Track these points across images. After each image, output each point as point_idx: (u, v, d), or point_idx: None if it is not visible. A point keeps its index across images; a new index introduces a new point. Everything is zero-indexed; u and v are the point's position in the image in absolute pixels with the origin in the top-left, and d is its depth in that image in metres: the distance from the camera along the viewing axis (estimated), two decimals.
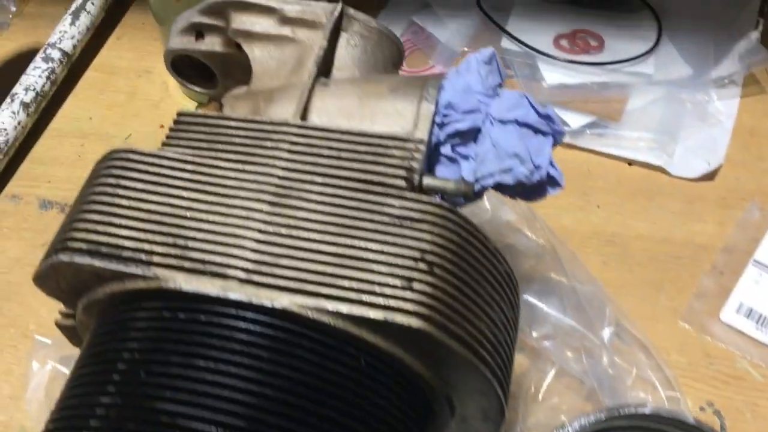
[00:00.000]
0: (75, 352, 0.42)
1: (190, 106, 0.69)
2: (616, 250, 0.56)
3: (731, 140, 0.62)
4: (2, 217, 0.62)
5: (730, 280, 0.53)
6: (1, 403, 0.50)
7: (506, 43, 0.68)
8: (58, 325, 0.40)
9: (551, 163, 0.39)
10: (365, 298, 0.32)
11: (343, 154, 0.37)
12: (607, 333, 0.48)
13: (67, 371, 0.49)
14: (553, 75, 0.65)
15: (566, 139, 0.56)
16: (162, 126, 0.68)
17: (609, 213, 0.58)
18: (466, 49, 0.68)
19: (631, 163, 0.62)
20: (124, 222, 0.34)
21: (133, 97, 0.70)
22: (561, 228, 0.57)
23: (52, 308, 0.37)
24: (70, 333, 0.40)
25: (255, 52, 0.44)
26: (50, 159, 0.66)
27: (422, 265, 0.33)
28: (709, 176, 0.60)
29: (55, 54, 0.70)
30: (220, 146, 0.38)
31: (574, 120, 0.63)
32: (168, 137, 0.39)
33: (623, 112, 0.63)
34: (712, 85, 0.65)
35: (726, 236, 0.56)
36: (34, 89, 0.67)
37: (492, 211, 0.55)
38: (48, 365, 0.49)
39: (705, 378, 0.49)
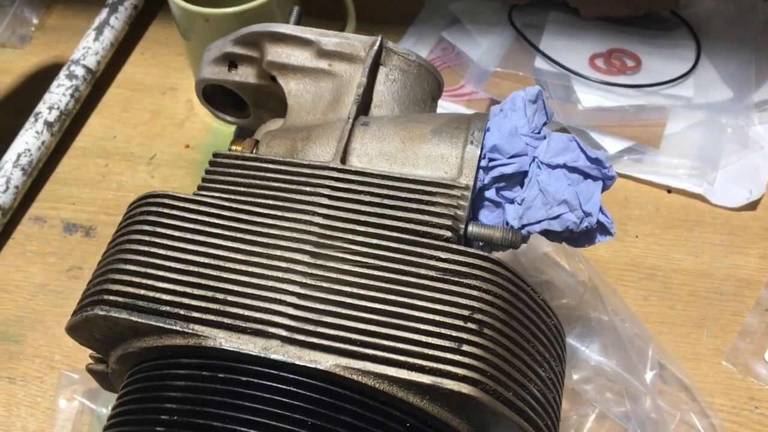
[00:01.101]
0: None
1: (215, 125, 0.68)
2: (657, 284, 0.54)
3: None
4: (26, 240, 0.61)
5: None
6: None
7: (540, 62, 0.66)
8: (89, 371, 0.39)
9: (601, 210, 0.37)
10: (412, 360, 0.30)
11: (386, 201, 0.35)
12: (649, 376, 0.47)
13: (94, 407, 0.49)
14: (589, 97, 0.63)
15: None
16: (187, 146, 0.67)
17: (648, 244, 0.57)
18: (498, 69, 0.66)
19: (670, 190, 0.60)
20: (161, 273, 0.33)
21: (158, 115, 0.69)
22: (598, 259, 0.55)
23: None
24: (101, 378, 0.39)
25: (290, 86, 0.43)
26: (74, 179, 0.65)
27: (471, 325, 0.31)
28: (751, 206, 0.58)
29: (79, 71, 0.69)
30: (257, 190, 0.36)
31: (611, 145, 0.61)
32: (204, 180, 0.38)
33: (662, 137, 0.61)
34: (753, 108, 0.63)
35: None
36: (58, 108, 0.66)
37: (529, 241, 0.53)
38: (75, 401, 0.48)
39: (750, 423, 0.48)
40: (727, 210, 0.58)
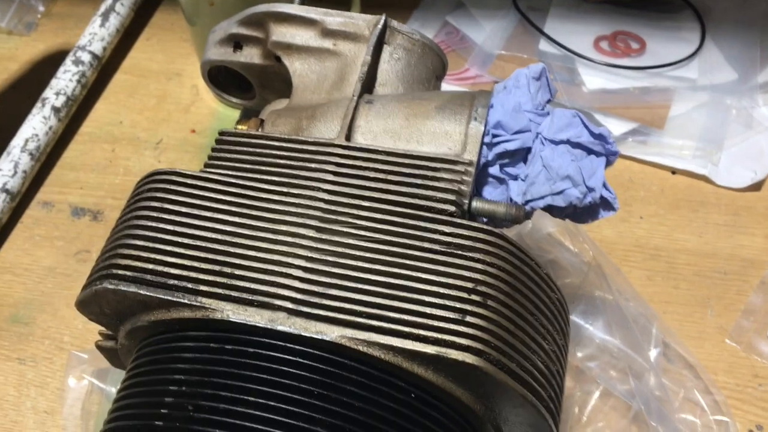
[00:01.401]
0: (111, 365, 0.41)
1: (221, 109, 0.68)
2: (661, 264, 0.54)
3: None
4: (35, 224, 0.61)
5: None
6: (38, 418, 0.50)
7: (544, 45, 0.67)
8: (98, 347, 0.39)
9: (605, 185, 0.37)
10: (417, 331, 0.31)
11: (390, 177, 0.36)
12: (653, 354, 0.47)
13: (102, 386, 0.49)
14: (593, 80, 0.63)
15: None
16: (193, 131, 0.67)
17: (652, 224, 0.57)
18: (503, 52, 0.66)
19: (674, 171, 0.60)
20: (169, 248, 0.33)
21: (164, 100, 0.70)
22: (603, 240, 0.56)
23: (86, 320, 0.36)
24: (110, 354, 0.40)
25: (295, 65, 0.43)
26: (81, 164, 0.65)
27: (475, 297, 0.32)
28: (756, 186, 0.59)
29: (86, 57, 0.69)
30: (263, 167, 0.37)
31: (616, 127, 0.61)
32: (210, 158, 0.38)
33: (666, 118, 0.61)
34: (758, 90, 0.63)
35: None
36: (65, 93, 0.66)
37: (533, 222, 0.53)
38: (84, 381, 0.49)
39: (753, 400, 0.48)
40: (732, 191, 0.58)
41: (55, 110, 0.65)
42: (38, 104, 0.66)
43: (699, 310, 0.52)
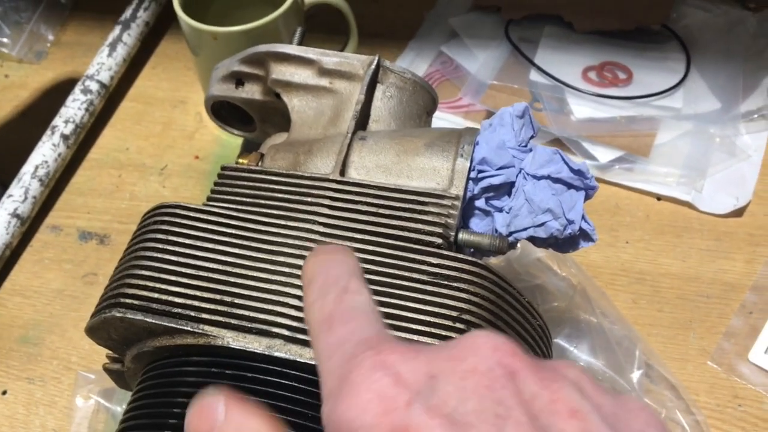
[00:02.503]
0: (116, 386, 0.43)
1: (223, 137, 0.71)
2: (646, 288, 0.57)
3: (760, 176, 0.62)
4: (44, 248, 0.64)
5: (759, 320, 0.54)
6: None
7: (535, 75, 0.69)
8: (106, 369, 0.42)
9: (584, 218, 0.40)
10: None
11: (381, 210, 0.38)
12: (636, 375, 0.49)
13: (109, 405, 0.51)
14: (582, 109, 0.66)
15: (594, 174, 0.57)
16: (197, 157, 0.69)
17: (638, 249, 0.59)
18: (495, 81, 0.69)
19: (659, 198, 0.62)
20: (173, 278, 0.36)
21: (169, 127, 0.72)
22: (590, 264, 0.58)
23: (93, 342, 0.39)
24: (117, 377, 0.42)
25: (294, 102, 0.46)
26: (89, 190, 0.68)
27: (459, 325, 0.34)
28: (738, 212, 0.61)
29: (93, 86, 0.72)
30: (263, 201, 0.39)
31: (602, 155, 0.63)
32: (213, 191, 0.41)
33: (652, 146, 0.64)
34: (740, 119, 0.65)
35: (755, 275, 0.57)
36: (74, 121, 0.69)
37: (521, 247, 0.56)
38: (91, 400, 0.51)
39: (733, 420, 0.50)
40: (715, 217, 0.61)
41: (64, 137, 0.68)
42: (48, 131, 0.68)
43: (682, 333, 0.54)
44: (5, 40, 0.80)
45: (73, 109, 0.70)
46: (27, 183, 0.64)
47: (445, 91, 0.71)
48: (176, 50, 0.79)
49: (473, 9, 0.77)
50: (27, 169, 0.65)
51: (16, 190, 0.64)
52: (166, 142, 0.71)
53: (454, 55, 0.73)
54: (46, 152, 0.67)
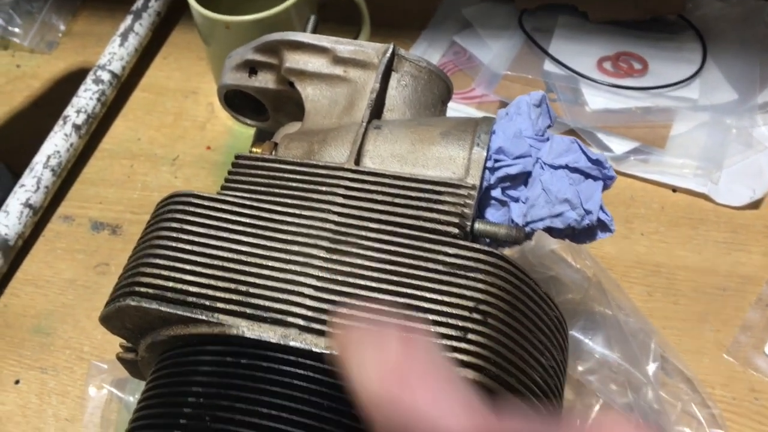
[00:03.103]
0: (129, 375, 0.43)
1: (235, 127, 0.70)
2: (661, 280, 0.56)
3: None
4: (56, 238, 0.64)
5: None
6: (59, 425, 0.52)
7: (549, 65, 0.68)
8: (119, 359, 0.42)
9: (602, 208, 0.39)
10: None
11: (397, 200, 0.38)
12: (652, 368, 0.49)
13: (121, 395, 0.51)
14: (596, 99, 0.65)
15: None
16: (209, 147, 0.69)
17: (653, 241, 0.59)
18: (509, 72, 0.68)
19: (675, 189, 0.62)
20: (188, 267, 0.35)
21: (180, 117, 0.72)
22: (604, 256, 0.57)
23: (105, 331, 0.38)
24: (131, 366, 0.42)
25: (307, 91, 0.45)
26: (101, 180, 0.68)
27: (476, 315, 0.33)
28: (754, 204, 0.60)
29: (105, 76, 0.72)
30: (277, 190, 0.39)
31: (618, 146, 0.63)
32: (227, 180, 0.40)
33: (668, 137, 0.63)
34: (757, 110, 0.64)
35: None
36: (85, 111, 0.69)
37: (536, 239, 0.55)
38: (104, 390, 0.51)
39: (750, 413, 0.50)
40: (731, 209, 0.60)
41: (76, 128, 0.68)
42: (60, 122, 0.68)
43: (698, 326, 0.54)
44: (17, 30, 0.80)
45: (85, 99, 0.70)
46: (39, 173, 0.64)
47: (457, 81, 0.70)
48: (188, 40, 0.79)
49: None
50: (39, 159, 0.65)
51: (28, 180, 0.64)
52: (178, 132, 0.71)
53: (467, 45, 0.73)
54: (58, 142, 0.67)
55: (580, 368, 0.49)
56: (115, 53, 0.73)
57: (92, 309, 0.59)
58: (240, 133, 0.70)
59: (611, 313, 0.51)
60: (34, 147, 0.66)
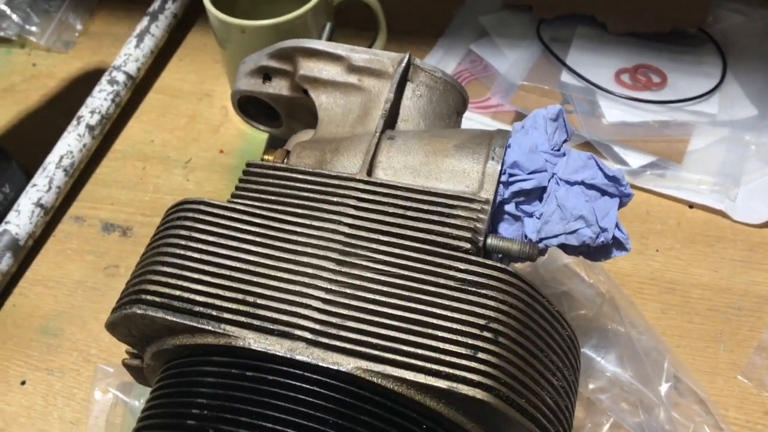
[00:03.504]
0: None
1: (249, 131, 0.70)
2: (676, 298, 0.55)
3: None
4: (67, 238, 0.64)
5: None
6: (64, 428, 0.52)
7: (566, 77, 0.68)
8: (125, 365, 0.41)
9: (617, 226, 0.38)
10: (430, 365, 0.32)
11: (409, 213, 0.37)
12: (664, 388, 0.48)
13: (127, 399, 0.51)
14: (613, 112, 0.64)
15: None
16: (221, 151, 0.69)
17: (668, 258, 0.58)
18: (525, 82, 0.68)
19: (691, 206, 0.61)
20: (195, 276, 0.35)
21: (194, 120, 0.72)
22: (618, 272, 0.57)
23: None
24: (136, 372, 0.41)
25: (321, 99, 0.45)
26: (113, 181, 0.68)
27: (487, 334, 0.33)
28: None
29: (120, 77, 0.71)
30: (287, 199, 0.38)
31: (634, 160, 0.62)
32: (237, 188, 0.40)
33: (685, 152, 0.62)
34: None
35: None
36: (100, 112, 0.69)
37: (549, 253, 0.54)
38: (109, 394, 0.51)
39: None
40: (748, 227, 0.59)
41: (90, 128, 0.68)
42: (74, 122, 0.68)
43: (712, 345, 0.53)
44: (34, 29, 0.80)
45: (100, 100, 0.70)
46: (51, 173, 0.64)
47: (473, 90, 0.70)
48: (204, 43, 0.79)
49: (504, 7, 0.76)
50: (52, 158, 0.65)
51: (40, 179, 0.64)
52: (192, 135, 0.71)
53: (483, 54, 0.72)
54: (71, 142, 0.66)
55: (591, 386, 0.48)
56: (130, 54, 0.73)
57: (100, 311, 0.58)
58: (253, 137, 0.70)
59: (624, 330, 0.50)
60: (47, 146, 0.66)
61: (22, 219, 0.61)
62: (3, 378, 0.55)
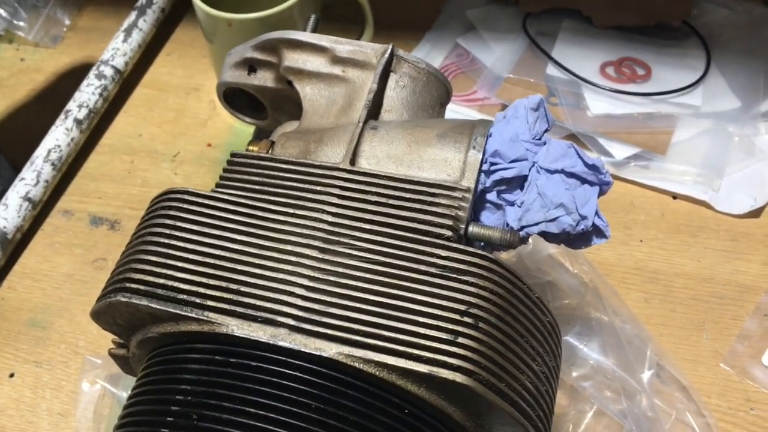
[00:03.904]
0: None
1: (236, 125, 0.70)
2: (659, 287, 0.56)
3: None
4: (55, 232, 0.64)
5: None
6: (53, 419, 0.52)
7: (551, 69, 0.68)
8: (111, 354, 0.42)
9: (597, 214, 0.39)
10: (411, 350, 0.32)
11: (391, 201, 0.38)
12: (647, 375, 0.48)
13: (114, 390, 0.51)
14: (598, 104, 0.65)
15: (610, 170, 0.56)
16: (209, 145, 0.69)
17: (652, 248, 0.58)
18: (511, 75, 0.68)
19: (675, 197, 0.61)
20: (179, 264, 0.35)
21: (182, 114, 0.72)
22: (602, 262, 0.57)
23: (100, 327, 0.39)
24: (122, 362, 0.42)
25: (306, 90, 0.45)
26: (101, 175, 0.68)
27: (467, 319, 0.33)
28: (755, 213, 0.60)
29: (108, 71, 0.72)
30: (271, 189, 0.39)
31: (618, 151, 0.62)
32: (222, 177, 0.40)
33: (669, 144, 0.63)
34: (760, 118, 0.64)
35: None
36: (87, 106, 0.69)
37: (533, 243, 0.55)
38: (97, 385, 0.51)
39: (745, 424, 0.49)
40: (731, 217, 0.60)
41: (78, 122, 0.68)
42: (61, 116, 0.68)
43: (694, 334, 0.53)
44: (22, 23, 0.80)
45: (87, 94, 0.70)
46: (39, 167, 0.64)
47: (460, 84, 0.70)
48: (191, 37, 0.79)
49: (491, 1, 0.76)
50: (39, 152, 0.65)
51: (28, 173, 0.64)
52: (179, 129, 0.71)
53: (470, 47, 0.72)
54: (59, 136, 0.67)
55: (574, 374, 0.48)
56: (118, 49, 0.73)
57: (88, 304, 0.58)
58: (241, 130, 0.70)
59: (607, 319, 0.51)
60: (36, 141, 0.66)
61: (10, 213, 0.61)
62: None
